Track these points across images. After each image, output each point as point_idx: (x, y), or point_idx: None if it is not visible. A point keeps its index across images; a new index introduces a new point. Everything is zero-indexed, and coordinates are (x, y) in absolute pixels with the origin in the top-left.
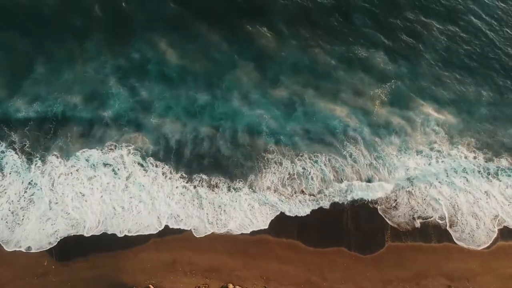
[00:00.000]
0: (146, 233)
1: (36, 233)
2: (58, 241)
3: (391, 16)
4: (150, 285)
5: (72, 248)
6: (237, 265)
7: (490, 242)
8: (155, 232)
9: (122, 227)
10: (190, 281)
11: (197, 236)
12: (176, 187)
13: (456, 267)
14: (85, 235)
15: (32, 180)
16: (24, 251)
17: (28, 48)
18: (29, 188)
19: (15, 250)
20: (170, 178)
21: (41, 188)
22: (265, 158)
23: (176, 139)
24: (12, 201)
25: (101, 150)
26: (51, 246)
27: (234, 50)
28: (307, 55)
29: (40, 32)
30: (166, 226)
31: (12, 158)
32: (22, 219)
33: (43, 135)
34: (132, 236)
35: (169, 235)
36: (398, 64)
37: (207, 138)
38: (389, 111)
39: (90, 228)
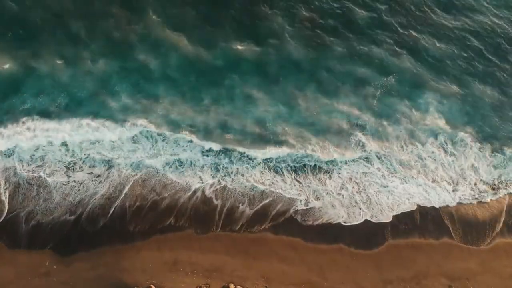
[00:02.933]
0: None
1: None
2: (59, 241)
3: (392, 11)
4: (152, 285)
5: (73, 248)
6: (238, 265)
7: None
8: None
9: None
10: (191, 281)
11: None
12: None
13: (456, 266)
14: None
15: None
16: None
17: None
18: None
19: (17, 250)
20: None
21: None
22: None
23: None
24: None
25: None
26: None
27: (234, 46)
28: (309, 51)
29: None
30: (169, 224)
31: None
32: None
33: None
34: (135, 234)
35: (170, 233)
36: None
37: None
38: (391, 103)
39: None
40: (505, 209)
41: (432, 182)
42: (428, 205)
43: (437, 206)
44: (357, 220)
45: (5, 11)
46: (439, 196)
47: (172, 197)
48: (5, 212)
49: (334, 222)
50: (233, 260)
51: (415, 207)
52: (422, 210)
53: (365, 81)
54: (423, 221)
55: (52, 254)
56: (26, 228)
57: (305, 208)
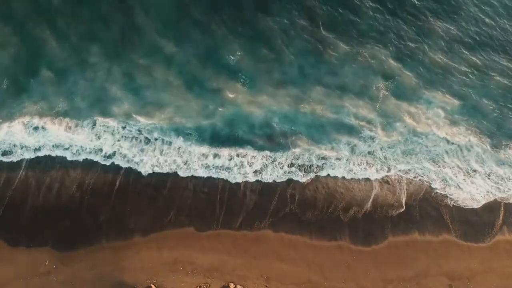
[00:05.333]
0: None
1: None
2: (59, 240)
3: (395, 12)
4: (152, 285)
5: (73, 248)
6: (238, 264)
7: None
8: None
9: None
10: (191, 281)
11: None
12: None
13: (456, 265)
14: None
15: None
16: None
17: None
18: None
19: (16, 248)
20: None
21: None
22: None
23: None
24: None
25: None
26: None
27: (238, 51)
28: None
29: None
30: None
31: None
32: None
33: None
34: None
35: (169, 230)
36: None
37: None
38: (395, 104)
39: None
40: (503, 205)
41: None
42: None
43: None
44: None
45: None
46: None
47: None
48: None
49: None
50: (233, 260)
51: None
52: (422, 208)
53: (369, 83)
54: (423, 218)
55: (52, 254)
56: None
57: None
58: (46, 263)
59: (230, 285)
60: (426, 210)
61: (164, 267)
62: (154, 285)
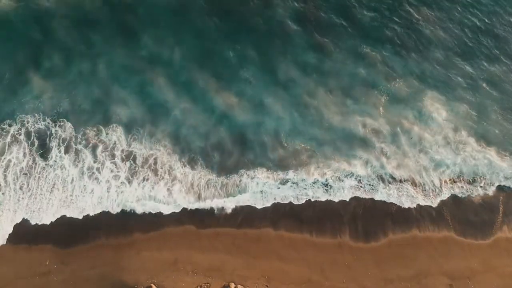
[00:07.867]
0: None
1: None
2: (60, 241)
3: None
4: (152, 284)
5: (74, 247)
6: (239, 264)
7: None
8: None
9: None
10: (192, 280)
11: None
12: None
13: (456, 265)
14: None
15: None
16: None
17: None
18: None
19: (17, 247)
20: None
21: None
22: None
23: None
24: None
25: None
26: None
27: (241, 48)
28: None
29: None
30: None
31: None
32: None
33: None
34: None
35: (169, 228)
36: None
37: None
38: (397, 107)
39: None
40: (501, 202)
41: None
42: None
43: None
44: None
45: None
46: None
47: None
48: None
49: None
50: (233, 259)
51: None
52: (422, 206)
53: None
54: (422, 216)
55: (52, 254)
56: None
57: None
58: (47, 263)
59: (230, 285)
60: (426, 208)
61: (165, 267)
62: (155, 285)
